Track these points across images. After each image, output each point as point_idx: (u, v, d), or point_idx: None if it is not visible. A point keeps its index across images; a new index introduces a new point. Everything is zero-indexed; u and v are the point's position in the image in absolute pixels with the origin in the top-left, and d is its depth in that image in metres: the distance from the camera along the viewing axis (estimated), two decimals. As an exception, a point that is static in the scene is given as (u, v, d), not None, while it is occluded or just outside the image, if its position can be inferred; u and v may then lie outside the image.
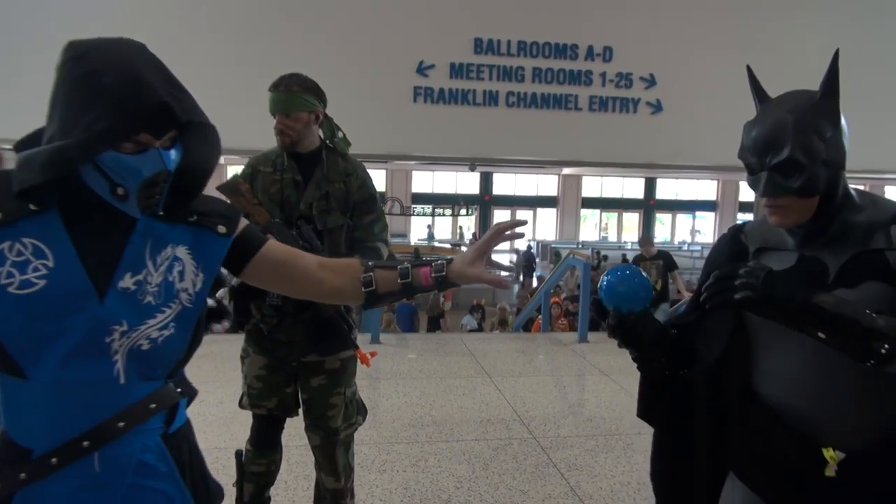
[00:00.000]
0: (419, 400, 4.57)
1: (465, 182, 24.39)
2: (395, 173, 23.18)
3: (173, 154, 1.06)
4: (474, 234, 23.35)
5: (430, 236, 22.82)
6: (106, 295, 1.06)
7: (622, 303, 1.30)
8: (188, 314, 1.15)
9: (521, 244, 19.29)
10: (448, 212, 23.04)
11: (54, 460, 1.05)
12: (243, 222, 1.25)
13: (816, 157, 1.19)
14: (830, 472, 1.24)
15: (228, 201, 1.85)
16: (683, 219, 26.85)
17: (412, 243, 19.57)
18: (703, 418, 1.49)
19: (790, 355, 1.29)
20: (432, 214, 23.10)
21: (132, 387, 1.10)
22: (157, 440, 1.15)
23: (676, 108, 8.20)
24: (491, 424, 4.11)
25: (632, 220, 26.84)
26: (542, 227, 25.04)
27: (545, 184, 25.60)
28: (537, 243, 20.99)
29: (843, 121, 1.23)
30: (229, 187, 2.20)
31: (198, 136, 1.10)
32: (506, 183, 25.29)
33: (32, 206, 1.04)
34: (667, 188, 26.50)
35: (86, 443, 1.06)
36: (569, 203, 25.49)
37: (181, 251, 1.15)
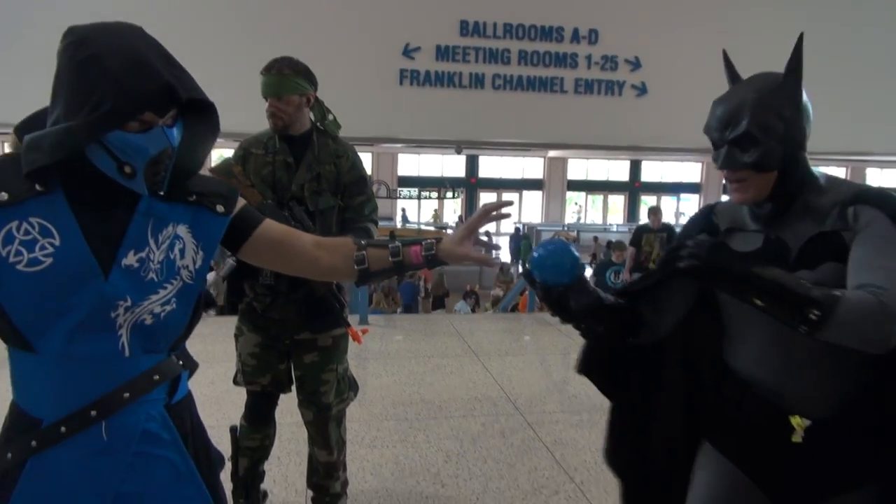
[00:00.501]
0: (407, 379, 4.64)
1: (451, 165, 24.37)
2: (382, 156, 23.13)
3: (175, 132, 1.11)
4: (460, 217, 23.38)
5: (405, 219, 22.79)
6: (110, 272, 1.10)
7: (549, 275, 1.34)
8: (189, 290, 1.20)
9: (506, 227, 19.36)
10: (434, 195, 23.03)
11: (63, 429, 1.10)
12: (241, 202, 1.30)
13: (772, 133, 1.25)
14: (797, 438, 1.30)
15: None
16: (668, 201, 27.03)
17: (398, 226, 19.58)
18: (678, 390, 1.56)
19: (757, 331, 1.35)
20: (419, 198, 23.06)
21: (136, 359, 1.15)
22: (160, 410, 1.19)
23: (661, 90, 8.25)
24: (478, 402, 4.19)
25: (617, 202, 26.98)
26: (528, 209, 25.11)
27: (531, 166, 25.64)
28: (523, 226, 21.08)
29: (806, 103, 1.29)
30: (222, 170, 2.23)
31: (198, 113, 1.15)
32: (492, 166, 25.30)
33: (38, 187, 1.07)
34: (652, 171, 26.63)
35: (93, 412, 1.11)
36: (554, 186, 25.57)
37: (181, 230, 1.20)
